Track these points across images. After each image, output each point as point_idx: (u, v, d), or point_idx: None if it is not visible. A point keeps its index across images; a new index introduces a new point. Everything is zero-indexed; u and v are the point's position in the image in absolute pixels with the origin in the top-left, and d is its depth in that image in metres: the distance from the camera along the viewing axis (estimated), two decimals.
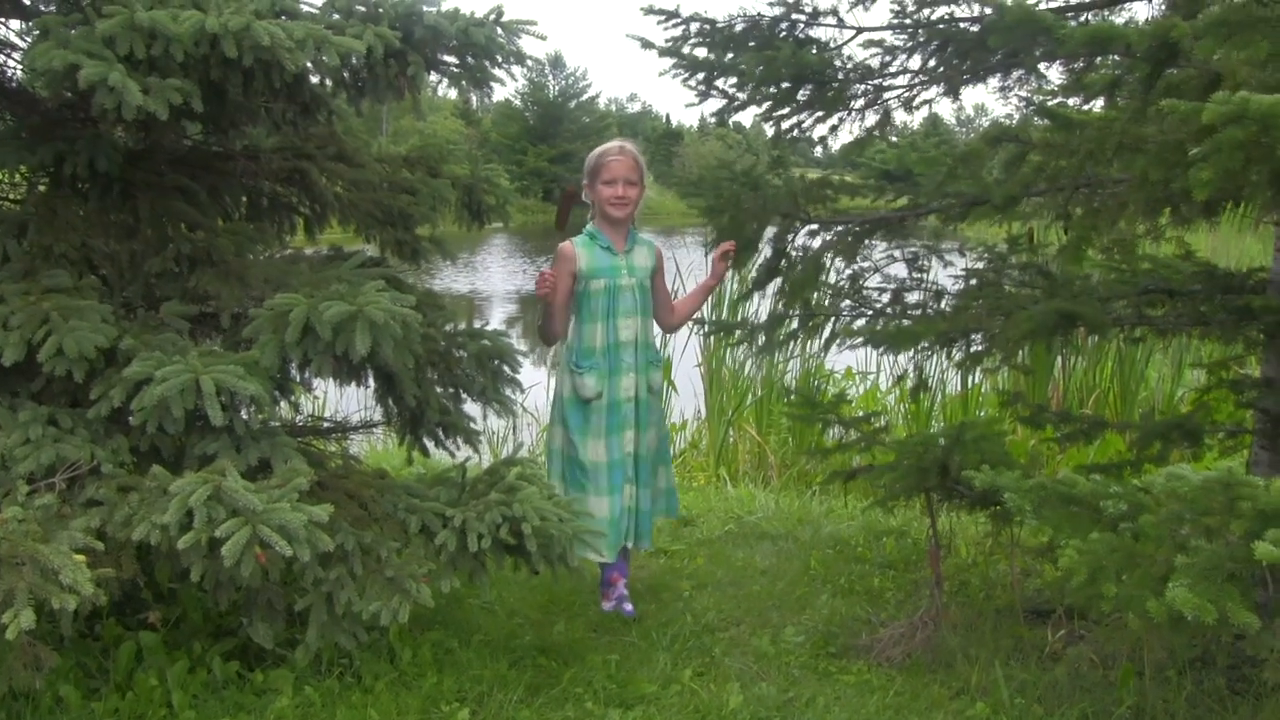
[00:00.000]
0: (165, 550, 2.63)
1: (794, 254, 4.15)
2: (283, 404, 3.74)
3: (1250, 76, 2.46)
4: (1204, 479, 2.38)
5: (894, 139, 5.48)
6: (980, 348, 3.84)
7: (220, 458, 2.78)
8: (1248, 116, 2.18)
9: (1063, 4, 3.94)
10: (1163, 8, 4.01)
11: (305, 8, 3.25)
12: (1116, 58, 3.34)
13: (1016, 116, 4.65)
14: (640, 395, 4.01)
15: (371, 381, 3.60)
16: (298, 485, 2.68)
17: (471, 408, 3.84)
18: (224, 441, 2.84)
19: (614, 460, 3.96)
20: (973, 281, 4.19)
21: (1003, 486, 2.77)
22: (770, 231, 4.19)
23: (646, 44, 4.10)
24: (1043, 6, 3.81)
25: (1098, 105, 3.71)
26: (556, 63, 59.51)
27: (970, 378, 7.47)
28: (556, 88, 59.47)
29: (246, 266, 3.33)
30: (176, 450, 2.91)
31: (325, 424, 4.42)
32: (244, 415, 2.91)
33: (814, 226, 4.16)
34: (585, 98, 60.37)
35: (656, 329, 4.26)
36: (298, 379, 3.38)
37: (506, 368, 3.72)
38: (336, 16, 3.19)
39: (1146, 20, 3.68)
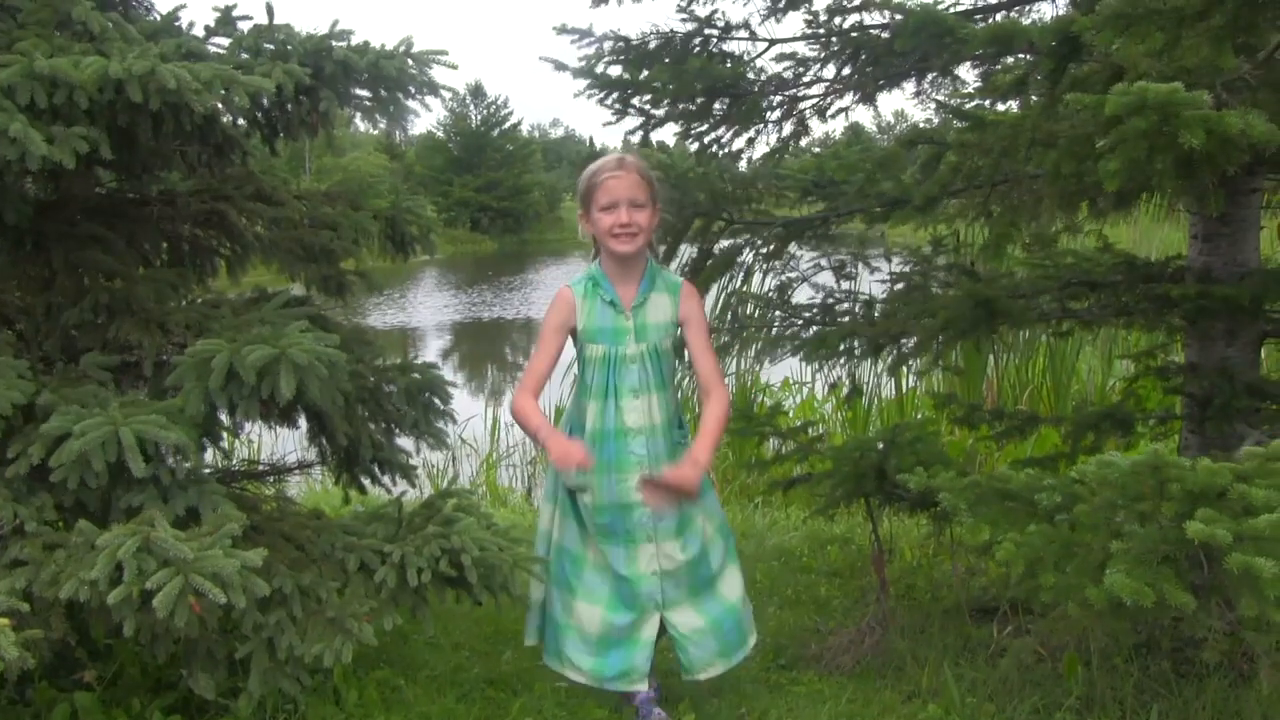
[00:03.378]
0: (96, 606, 2.55)
1: (718, 253, 4.17)
2: (214, 451, 3.67)
3: (1150, 67, 2.51)
4: (1133, 464, 2.41)
5: (816, 149, 5.53)
6: (909, 348, 3.88)
7: (146, 509, 2.71)
8: (1147, 106, 2.23)
9: (970, 6, 4.01)
10: (1067, 6, 4.10)
11: (213, 49, 3.22)
12: (1024, 56, 3.40)
13: (936, 120, 4.72)
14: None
15: (303, 422, 3.55)
16: (229, 531, 2.63)
17: (408, 443, 3.80)
18: (150, 492, 2.77)
19: (625, 575, 3.19)
20: (899, 285, 4.24)
21: (938, 487, 2.79)
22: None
23: (560, 66, 4.10)
24: (950, 10, 3.87)
25: (1012, 106, 3.77)
26: (477, 92, 59.43)
27: (905, 382, 7.55)
28: (478, 117, 59.37)
29: (167, 313, 3.27)
30: (103, 504, 2.83)
31: (260, 467, 4.36)
32: (170, 464, 2.85)
33: (738, 227, 4.18)
34: (508, 125, 60.30)
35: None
36: (227, 424, 3.33)
37: (437, 400, 3.69)
38: (245, 56, 3.15)
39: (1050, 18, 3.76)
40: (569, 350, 3.26)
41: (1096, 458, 2.52)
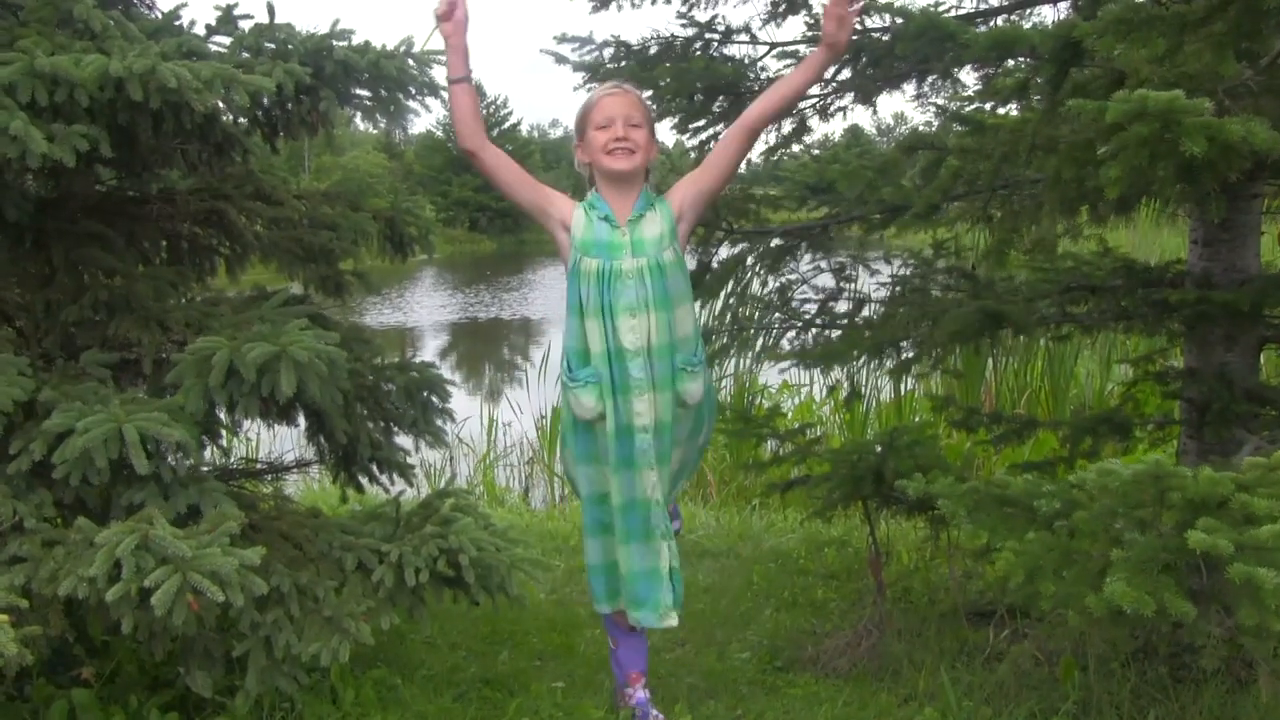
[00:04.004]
0: (94, 604, 2.55)
1: (717, 266, 4.17)
2: (213, 449, 3.67)
3: (1153, 73, 2.52)
4: (1134, 472, 2.41)
5: (816, 151, 5.54)
6: (910, 354, 3.88)
7: (147, 506, 2.71)
8: (1148, 113, 2.23)
9: (972, 9, 4.02)
10: (1069, 10, 4.10)
11: (214, 47, 3.22)
12: (1025, 60, 3.41)
13: (935, 124, 4.73)
14: (661, 418, 3.04)
15: (302, 420, 3.55)
16: (228, 529, 2.63)
17: (405, 441, 3.80)
18: (151, 490, 2.78)
19: (634, 500, 3.07)
20: (899, 289, 4.24)
21: (937, 493, 2.79)
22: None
23: (560, 59, 4.10)
24: (951, 13, 3.88)
25: (1012, 109, 3.77)
26: (476, 92, 59.46)
27: (903, 384, 7.56)
28: None
29: (167, 311, 3.27)
30: (102, 501, 2.83)
31: (258, 466, 4.36)
32: (171, 462, 2.85)
33: (736, 237, 4.19)
34: (507, 125, 60.26)
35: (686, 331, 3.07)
36: (225, 421, 3.33)
37: (436, 399, 3.68)
38: (245, 55, 3.15)
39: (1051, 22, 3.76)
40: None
41: (1096, 466, 2.52)
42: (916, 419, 7.14)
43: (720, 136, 3.07)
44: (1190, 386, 3.62)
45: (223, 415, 3.17)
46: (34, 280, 3.28)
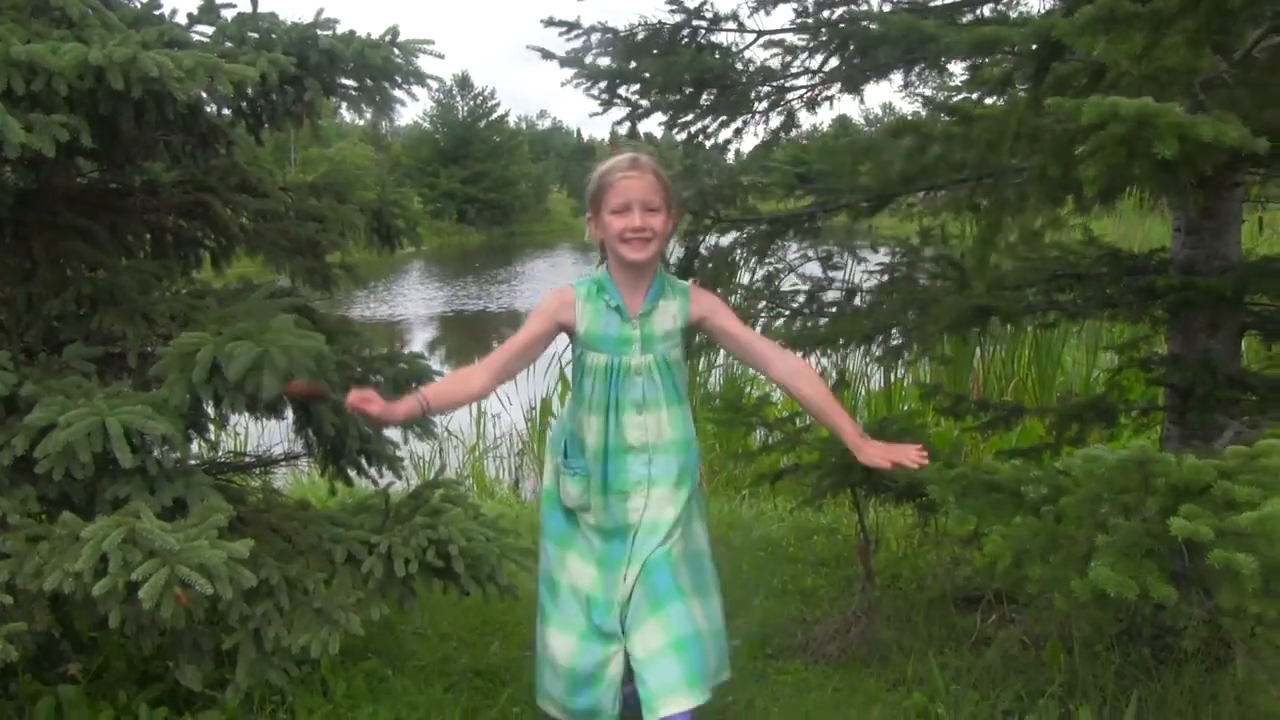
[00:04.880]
0: (81, 599, 2.55)
1: (705, 253, 4.17)
2: (200, 442, 3.66)
3: (1131, 68, 2.53)
4: (1119, 458, 2.42)
5: (804, 142, 5.53)
6: (899, 341, 3.89)
7: (133, 500, 2.70)
8: (1119, 118, 2.25)
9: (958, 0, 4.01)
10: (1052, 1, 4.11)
11: (196, 37, 3.20)
12: (1008, 54, 3.41)
13: (923, 113, 4.73)
14: (658, 518, 2.86)
15: (290, 413, 3.54)
16: (215, 522, 2.62)
17: (394, 434, 3.79)
18: (136, 483, 2.77)
19: (602, 600, 2.86)
20: (887, 277, 4.25)
21: (925, 479, 2.79)
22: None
23: (547, 54, 4.09)
24: (935, 1, 3.88)
25: (999, 100, 3.77)
26: (464, 83, 59.29)
27: (892, 373, 7.57)
28: (465, 108, 59.22)
29: (151, 304, 3.25)
30: (87, 495, 2.82)
31: (246, 459, 4.34)
32: (156, 455, 2.84)
33: (724, 225, 4.19)
34: (495, 117, 60.18)
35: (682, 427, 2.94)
36: (212, 415, 3.32)
37: None
38: (229, 44, 3.13)
39: (1030, 16, 3.76)
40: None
41: (1082, 452, 2.53)
42: (906, 407, 7.15)
43: (752, 343, 2.99)
44: (1174, 373, 3.63)
45: (209, 409, 3.16)
46: (14, 274, 3.26)
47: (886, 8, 3.99)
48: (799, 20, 4.11)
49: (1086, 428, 4.01)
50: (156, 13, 3.21)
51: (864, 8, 4.02)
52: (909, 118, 3.83)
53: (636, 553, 2.83)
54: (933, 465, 2.82)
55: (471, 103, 59.46)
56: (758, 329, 4.21)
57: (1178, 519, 2.20)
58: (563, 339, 2.97)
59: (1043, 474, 2.65)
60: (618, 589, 2.83)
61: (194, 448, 3.50)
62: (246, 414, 3.37)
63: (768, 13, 4.15)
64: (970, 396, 4.63)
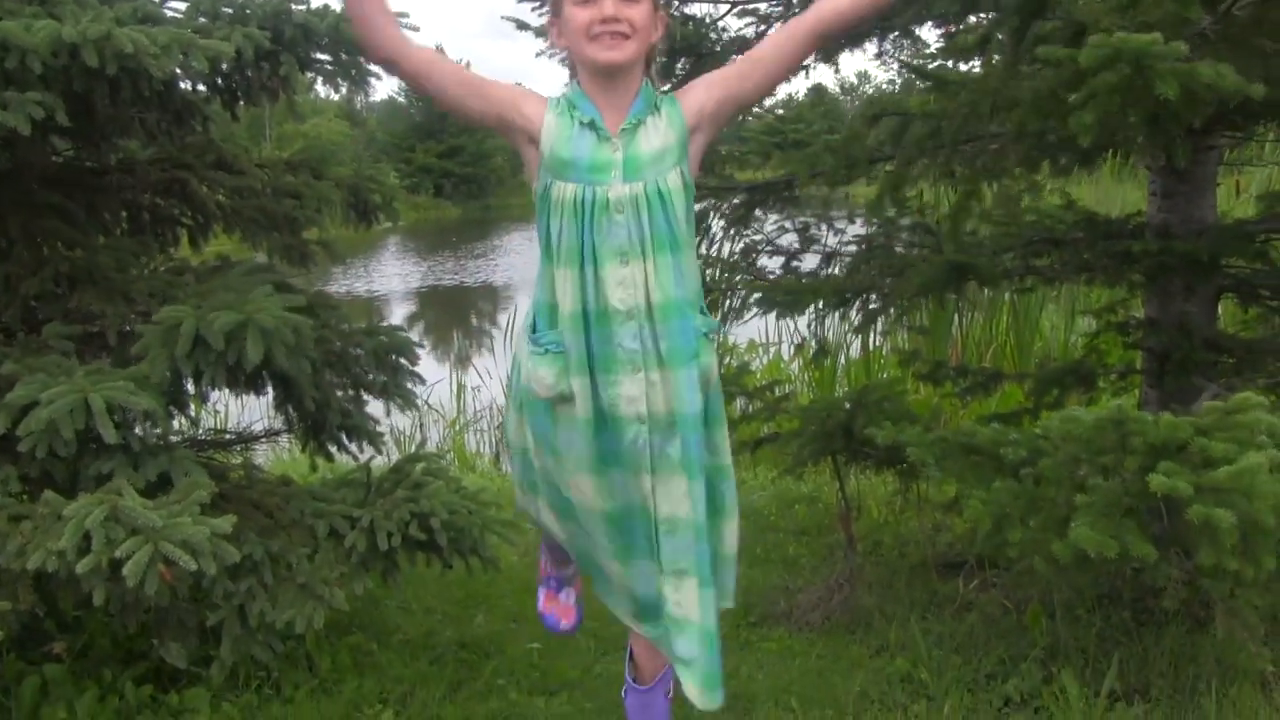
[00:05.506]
0: (65, 577, 2.55)
1: None
2: (181, 419, 3.66)
3: (1113, 23, 2.53)
4: (1097, 419, 2.45)
5: (780, 111, 5.53)
6: (875, 306, 3.91)
7: (117, 476, 2.70)
8: (1122, 59, 2.25)
9: None
10: None
11: (169, 13, 3.17)
12: (986, 16, 3.42)
13: (898, 82, 4.72)
14: (679, 408, 2.20)
15: (270, 389, 3.53)
16: (198, 498, 2.62)
17: (375, 409, 3.79)
18: (120, 459, 2.76)
19: (630, 509, 2.27)
20: (863, 245, 4.26)
21: (906, 441, 2.82)
22: None
23: (522, 25, 4.07)
24: None
25: (974, 66, 3.78)
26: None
27: (870, 340, 7.60)
28: None
29: (130, 282, 3.24)
30: (70, 474, 2.82)
31: (227, 436, 4.34)
32: (139, 431, 2.84)
33: (701, 194, 4.18)
34: None
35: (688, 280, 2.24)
36: (193, 392, 3.31)
37: (405, 361, 3.67)
38: (203, 20, 3.11)
39: None
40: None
41: (1060, 413, 2.56)
42: (885, 376, 7.18)
43: (774, 30, 2.53)
44: (1151, 336, 3.66)
45: (190, 386, 3.15)
46: None
47: None
48: None
49: (1065, 392, 4.04)
50: None
51: None
52: (884, 91, 3.83)
53: (664, 460, 2.21)
54: (912, 429, 2.85)
55: None
56: (736, 303, 4.22)
57: (1156, 476, 2.23)
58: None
59: (1022, 437, 2.68)
60: (640, 492, 2.23)
61: (175, 424, 3.49)
62: (227, 390, 3.37)
63: None
64: (949, 363, 4.65)
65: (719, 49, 4.07)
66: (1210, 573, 2.37)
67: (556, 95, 2.26)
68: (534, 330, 2.29)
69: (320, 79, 3.37)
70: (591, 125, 2.18)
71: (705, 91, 2.26)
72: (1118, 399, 4.36)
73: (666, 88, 2.40)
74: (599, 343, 2.19)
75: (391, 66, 2.32)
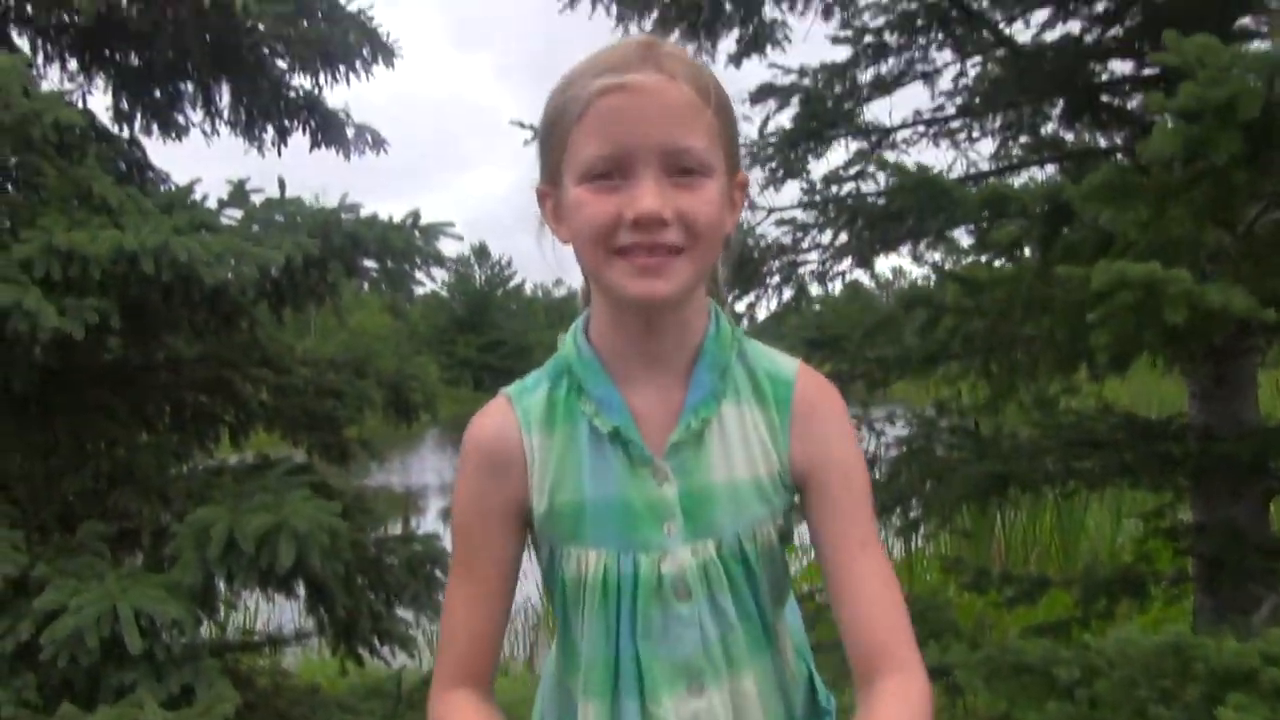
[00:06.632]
0: None
1: None
2: (208, 622, 3.60)
3: (1139, 237, 2.56)
4: (1155, 644, 2.36)
5: (817, 308, 5.59)
6: (917, 514, 3.85)
7: (139, 688, 2.64)
8: (1127, 285, 2.26)
9: (961, 174, 4.11)
10: (1056, 171, 4.20)
11: (226, 220, 3.27)
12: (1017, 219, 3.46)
13: (933, 277, 4.78)
14: None
15: (302, 590, 3.49)
16: (222, 712, 2.55)
17: (407, 611, 3.72)
18: (143, 670, 2.70)
19: None
20: (904, 448, 4.23)
21: (952, 663, 2.72)
22: None
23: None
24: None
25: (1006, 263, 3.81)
26: (481, 253, 60.48)
27: (912, 543, 7.47)
28: (483, 277, 60.33)
29: (168, 481, 3.26)
30: (90, 682, 2.75)
31: (255, 638, 4.27)
32: (165, 639, 2.79)
33: None
34: (511, 285, 61.25)
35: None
36: (224, 593, 3.27)
37: (439, 572, 3.62)
38: (256, 228, 3.21)
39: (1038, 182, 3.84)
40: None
41: (1115, 635, 2.47)
42: (927, 577, 7.04)
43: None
44: (1201, 542, 3.57)
45: (221, 586, 3.12)
46: (36, 450, 3.27)
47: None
48: (806, 198, 4.20)
49: (1115, 600, 3.92)
50: (190, 198, 3.28)
51: (870, 185, 4.11)
52: (920, 285, 3.87)
53: None
54: (958, 646, 2.75)
55: (489, 271, 60.60)
56: None
57: (1226, 710, 2.11)
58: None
59: (1073, 654, 2.58)
60: None
61: (202, 627, 3.44)
62: (258, 590, 3.33)
63: (777, 190, 4.25)
64: (993, 568, 4.55)
65: (756, 255, 4.15)
66: None
67: (537, 375, 1.27)
68: None
69: (366, 284, 3.44)
70: (617, 437, 1.19)
71: (821, 459, 1.23)
72: (1171, 608, 4.23)
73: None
74: None
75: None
